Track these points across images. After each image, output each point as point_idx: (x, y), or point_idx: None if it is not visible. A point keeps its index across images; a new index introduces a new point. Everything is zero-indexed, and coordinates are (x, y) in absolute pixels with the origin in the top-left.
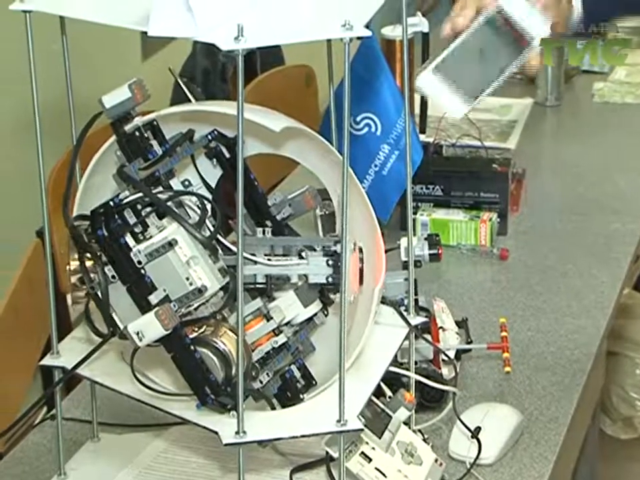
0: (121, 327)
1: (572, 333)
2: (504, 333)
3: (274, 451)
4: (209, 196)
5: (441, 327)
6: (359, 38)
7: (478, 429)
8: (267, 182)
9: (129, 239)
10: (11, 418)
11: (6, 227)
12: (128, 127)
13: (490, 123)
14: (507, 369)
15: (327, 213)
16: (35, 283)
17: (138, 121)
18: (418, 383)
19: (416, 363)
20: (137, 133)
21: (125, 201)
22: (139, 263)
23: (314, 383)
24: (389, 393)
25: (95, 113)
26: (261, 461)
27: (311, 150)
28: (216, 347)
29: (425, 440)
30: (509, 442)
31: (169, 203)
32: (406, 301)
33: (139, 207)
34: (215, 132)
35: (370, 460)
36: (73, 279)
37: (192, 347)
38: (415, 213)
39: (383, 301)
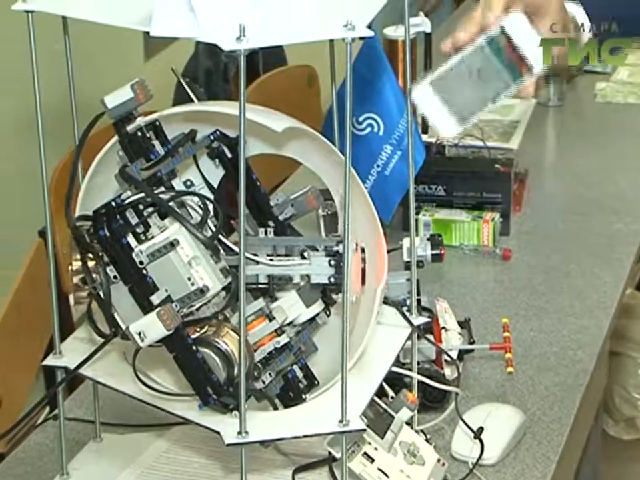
0: (123, 327)
1: (575, 333)
2: (506, 333)
3: (276, 451)
4: (211, 196)
5: (443, 327)
6: (361, 38)
7: (480, 429)
8: (269, 182)
9: (131, 239)
10: (14, 418)
11: (8, 227)
12: (130, 127)
13: (492, 123)
14: (510, 369)
15: (329, 213)
16: (37, 282)
17: (140, 121)
18: (420, 383)
19: (418, 363)
20: (139, 133)
21: (127, 201)
22: (141, 263)
23: (316, 383)
24: (391, 393)
25: (97, 113)
26: (264, 461)
27: (313, 150)
28: (218, 347)
29: (427, 440)
30: (512, 442)
31: (171, 203)
32: (408, 301)
33: (141, 207)
34: (217, 132)
35: (372, 460)
36: (75, 280)
37: (194, 347)
38: (417, 213)
39: (386, 301)
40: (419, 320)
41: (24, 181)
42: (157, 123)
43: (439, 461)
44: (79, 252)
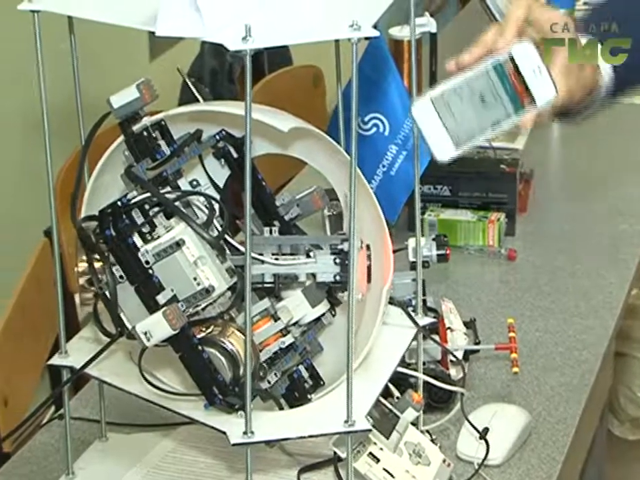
0: (129, 326)
1: (580, 334)
2: (512, 334)
3: (281, 451)
4: (217, 196)
5: (449, 328)
6: (366, 38)
7: (486, 429)
8: (274, 182)
9: (137, 239)
10: (19, 417)
11: (14, 227)
12: (136, 127)
13: None
14: (515, 369)
15: (334, 213)
16: (42, 282)
17: (146, 121)
18: (426, 383)
19: (424, 363)
20: (145, 133)
21: (133, 201)
22: (147, 262)
23: (322, 383)
24: (396, 393)
25: (102, 113)
26: (269, 461)
27: (318, 150)
28: (224, 347)
29: (432, 440)
30: (517, 443)
31: (177, 203)
32: (414, 302)
33: (147, 206)
34: (223, 132)
35: (378, 460)
36: (81, 281)
37: (200, 347)
38: (422, 214)
39: (391, 301)
40: (425, 320)
41: (30, 180)
42: (163, 122)
43: (444, 461)
44: (84, 253)
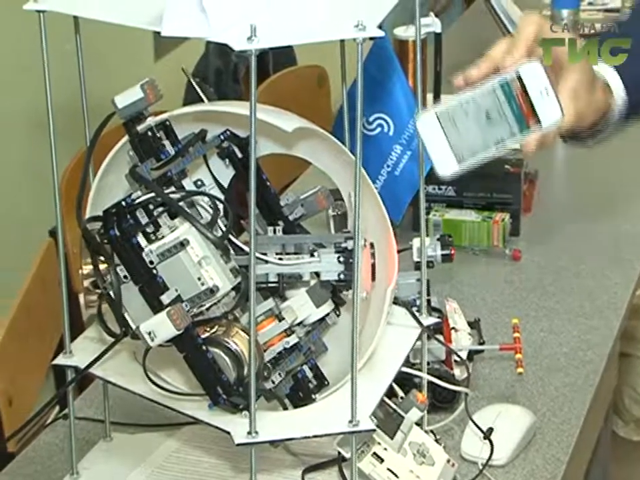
0: (133, 326)
1: (585, 334)
2: (516, 334)
3: (286, 451)
4: (221, 196)
5: (453, 328)
6: (371, 38)
7: (490, 429)
8: (279, 182)
9: (141, 239)
10: (24, 417)
11: (19, 227)
12: (140, 127)
13: None
14: (520, 369)
15: (339, 213)
16: (47, 282)
17: (150, 121)
18: (430, 383)
19: (428, 363)
20: (150, 133)
21: (137, 200)
22: (151, 263)
23: (326, 383)
24: (401, 393)
25: (107, 113)
26: (273, 461)
27: (323, 150)
28: (228, 347)
29: (437, 440)
30: (522, 443)
31: (181, 203)
32: (418, 302)
33: (151, 206)
34: (228, 132)
35: (382, 460)
36: (86, 283)
37: (204, 347)
38: (427, 214)
39: (395, 301)
40: (429, 320)
41: (34, 180)
42: (167, 122)
43: (448, 461)
44: (89, 254)
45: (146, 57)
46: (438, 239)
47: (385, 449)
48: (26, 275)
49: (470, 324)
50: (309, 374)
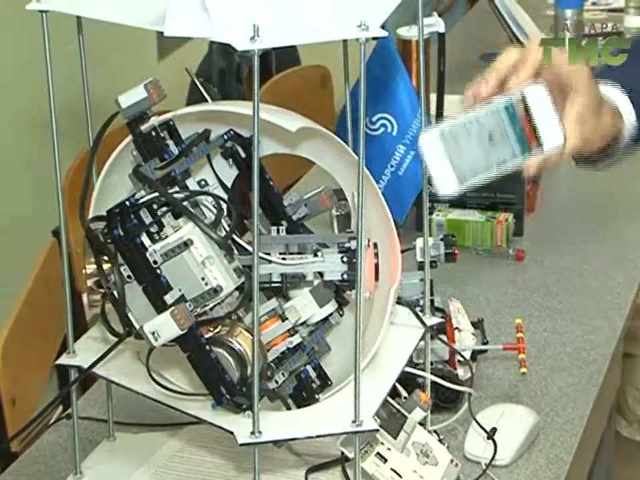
0: (137, 326)
1: (588, 334)
2: (520, 334)
3: (289, 451)
4: (225, 196)
5: (456, 328)
6: (374, 38)
7: (494, 429)
8: (282, 182)
9: (145, 239)
10: (27, 417)
11: (22, 226)
12: (144, 127)
13: None
14: (523, 369)
15: (342, 213)
16: (50, 282)
17: (154, 120)
18: (433, 383)
19: (431, 363)
20: (153, 133)
21: (141, 200)
22: (155, 262)
23: (329, 383)
24: (404, 393)
25: (111, 112)
26: (276, 461)
27: (326, 150)
28: (231, 346)
29: (440, 440)
30: (525, 443)
31: (185, 203)
32: (422, 302)
33: (155, 206)
34: (231, 132)
35: (385, 460)
36: (89, 283)
37: (207, 347)
38: (430, 214)
39: (399, 301)
40: (432, 320)
41: (38, 180)
42: (171, 122)
43: (452, 461)
44: (92, 254)
45: (149, 56)
46: (441, 239)
47: (389, 448)
48: (29, 275)
49: (473, 324)
50: (312, 374)
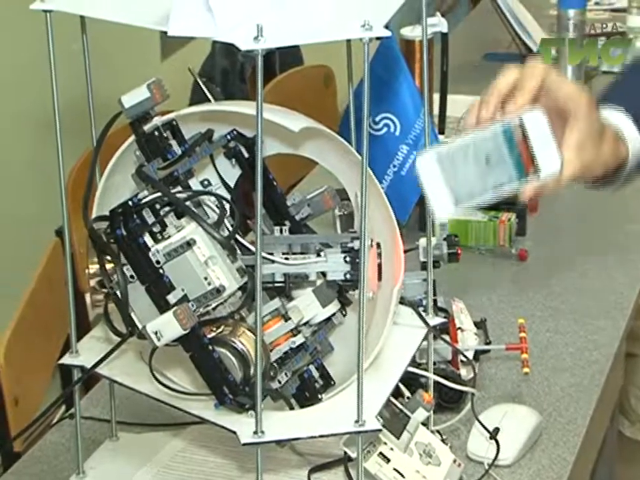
0: (140, 326)
1: (591, 334)
2: (522, 334)
3: (292, 450)
4: (228, 196)
5: (459, 328)
6: (378, 38)
7: (496, 429)
8: (285, 182)
9: (148, 239)
10: (30, 417)
11: (26, 226)
12: (147, 127)
13: None
14: (526, 369)
15: (345, 213)
16: (54, 282)
17: (157, 120)
18: (436, 383)
19: (434, 363)
20: (156, 133)
21: (144, 200)
22: (158, 262)
23: (332, 383)
24: (407, 393)
25: (114, 112)
26: (279, 460)
27: (329, 150)
28: (234, 346)
29: (443, 440)
30: (528, 443)
31: (188, 203)
32: (424, 302)
33: (158, 206)
34: (234, 132)
35: (388, 460)
36: (92, 283)
37: (210, 347)
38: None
39: (402, 301)
40: (435, 320)
41: (41, 180)
42: (174, 122)
43: (454, 461)
44: (95, 254)
45: (152, 56)
46: (444, 239)
47: (391, 449)
48: (32, 275)
49: (476, 324)
50: (315, 374)
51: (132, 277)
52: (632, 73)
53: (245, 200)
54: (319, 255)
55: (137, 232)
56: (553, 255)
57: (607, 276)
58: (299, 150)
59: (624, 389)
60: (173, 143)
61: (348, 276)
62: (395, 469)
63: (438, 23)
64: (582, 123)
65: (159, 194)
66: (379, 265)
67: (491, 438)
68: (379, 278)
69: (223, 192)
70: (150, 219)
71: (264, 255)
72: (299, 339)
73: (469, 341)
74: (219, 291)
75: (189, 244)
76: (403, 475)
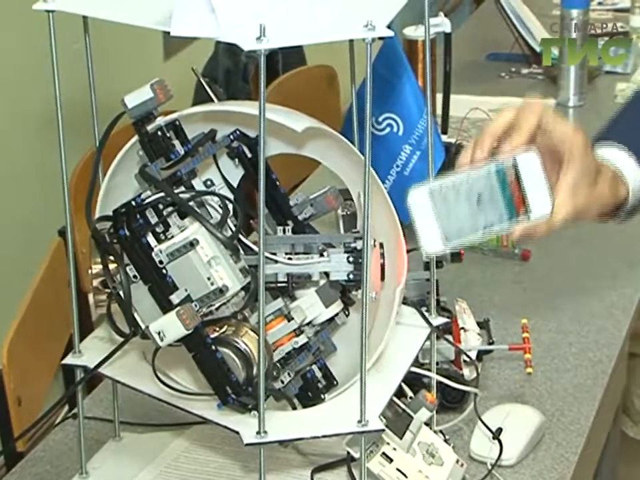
0: (143, 326)
1: (594, 334)
2: (525, 334)
3: (295, 450)
4: (231, 196)
5: (462, 328)
6: (381, 38)
7: (499, 429)
8: (288, 182)
9: (151, 239)
10: (33, 417)
11: (28, 226)
12: (150, 127)
13: None
14: (529, 369)
15: (348, 213)
16: (57, 282)
17: (160, 120)
18: (439, 383)
19: (437, 363)
20: (159, 133)
21: (147, 200)
22: (161, 262)
23: (335, 383)
24: (410, 393)
25: (117, 112)
26: (282, 460)
27: (333, 150)
28: (237, 346)
29: (446, 441)
30: (530, 443)
31: (191, 203)
32: (427, 302)
33: (161, 206)
34: (237, 132)
35: (391, 460)
36: (95, 283)
37: (213, 347)
38: None
39: (405, 301)
40: (438, 320)
41: (44, 179)
42: (177, 122)
43: (457, 461)
44: (98, 254)
45: (155, 56)
46: None
47: (394, 449)
48: (35, 275)
49: (479, 324)
50: (318, 374)
51: (135, 277)
52: (633, 107)
53: (248, 200)
54: (321, 255)
55: (140, 232)
56: (555, 255)
57: (610, 276)
58: (302, 150)
59: (627, 389)
60: (176, 143)
61: (351, 276)
62: (397, 469)
63: (441, 23)
64: (577, 164)
65: (162, 194)
66: (382, 265)
67: (493, 438)
68: (382, 278)
69: (226, 192)
70: (153, 219)
71: (267, 255)
72: (302, 339)
73: (471, 341)
74: (222, 291)
75: (192, 244)
76: (405, 475)
